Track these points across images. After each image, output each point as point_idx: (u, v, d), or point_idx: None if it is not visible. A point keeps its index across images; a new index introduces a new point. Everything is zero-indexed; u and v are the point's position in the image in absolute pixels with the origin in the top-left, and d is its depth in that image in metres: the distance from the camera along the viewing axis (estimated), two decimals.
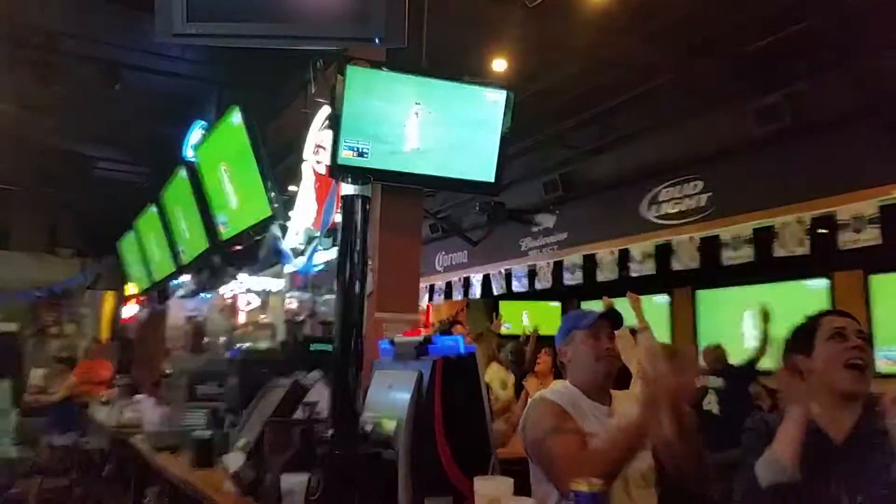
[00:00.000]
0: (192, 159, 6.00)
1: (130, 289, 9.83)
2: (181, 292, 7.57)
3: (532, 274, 7.49)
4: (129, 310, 10.33)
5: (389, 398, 2.02)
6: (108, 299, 10.89)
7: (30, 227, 10.42)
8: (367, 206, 2.24)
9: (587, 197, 6.91)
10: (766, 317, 5.75)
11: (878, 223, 4.48)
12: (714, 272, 5.92)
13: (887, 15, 4.18)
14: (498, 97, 3.21)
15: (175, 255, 6.84)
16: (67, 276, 10.50)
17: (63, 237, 10.56)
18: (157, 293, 8.30)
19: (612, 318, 2.13)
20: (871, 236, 4.52)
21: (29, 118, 6.66)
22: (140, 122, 7.02)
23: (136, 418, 4.31)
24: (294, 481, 1.90)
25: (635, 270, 6.18)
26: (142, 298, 9.36)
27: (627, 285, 7.37)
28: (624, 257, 6.33)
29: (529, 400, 2.13)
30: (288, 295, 5.86)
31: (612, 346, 2.09)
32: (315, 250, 4.81)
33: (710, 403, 5.41)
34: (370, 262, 3.21)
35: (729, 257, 5.40)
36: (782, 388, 1.76)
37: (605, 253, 6.51)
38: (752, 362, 5.59)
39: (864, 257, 5.55)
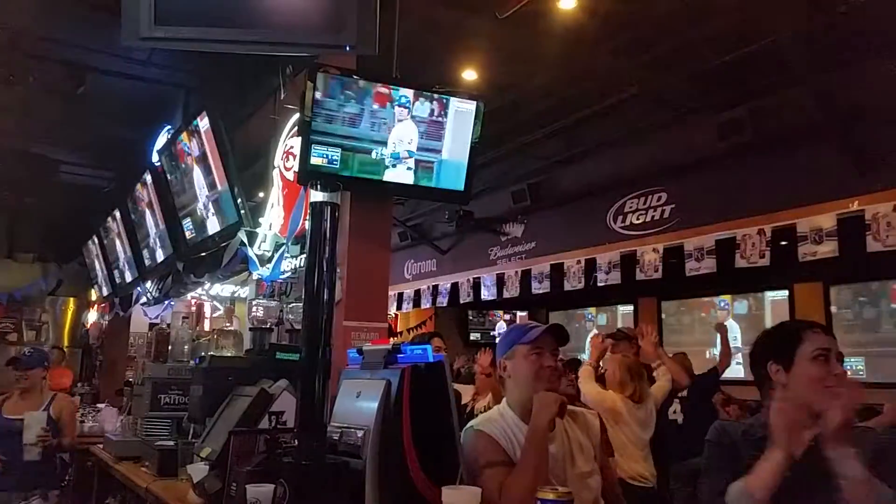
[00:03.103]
0: (158, 164, 5.92)
1: (93, 295, 9.64)
2: (144, 299, 7.43)
3: (500, 282, 7.53)
4: (92, 316, 10.10)
5: (357, 407, 2.01)
6: (70, 306, 10.64)
7: None
8: (337, 214, 2.23)
9: (555, 207, 6.99)
10: (724, 330, 5.87)
11: (836, 236, 4.61)
12: (678, 282, 6.02)
13: (848, 34, 4.32)
14: (468, 107, 3.24)
15: (139, 260, 6.74)
16: (27, 281, 10.22)
17: (24, 241, 10.29)
18: (120, 300, 8.15)
19: (557, 334, 2.06)
20: (829, 248, 4.65)
21: None
22: (105, 126, 6.89)
23: (97, 427, 4.22)
24: (260, 491, 1.88)
25: (602, 280, 6.26)
26: (104, 305, 9.17)
27: (594, 294, 7.48)
28: (591, 267, 6.41)
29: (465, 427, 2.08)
30: (254, 302, 5.79)
31: (555, 363, 2.03)
32: (282, 257, 4.77)
33: (675, 412, 5.49)
34: (339, 270, 3.21)
35: (692, 268, 5.50)
36: (773, 417, 1.67)
37: (573, 262, 6.58)
38: (715, 371, 5.70)
39: (823, 269, 5.71)
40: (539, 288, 6.98)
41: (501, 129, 5.87)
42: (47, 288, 10.37)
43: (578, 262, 6.53)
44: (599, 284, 6.29)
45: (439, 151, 3.23)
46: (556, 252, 6.85)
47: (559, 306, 10.62)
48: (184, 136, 5.16)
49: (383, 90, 3.09)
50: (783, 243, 5.06)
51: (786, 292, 7.90)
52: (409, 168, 3.17)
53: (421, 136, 3.18)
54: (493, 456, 1.92)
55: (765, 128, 5.08)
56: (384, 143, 3.10)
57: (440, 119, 3.21)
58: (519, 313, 11.00)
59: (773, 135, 5.07)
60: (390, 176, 3.14)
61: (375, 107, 3.08)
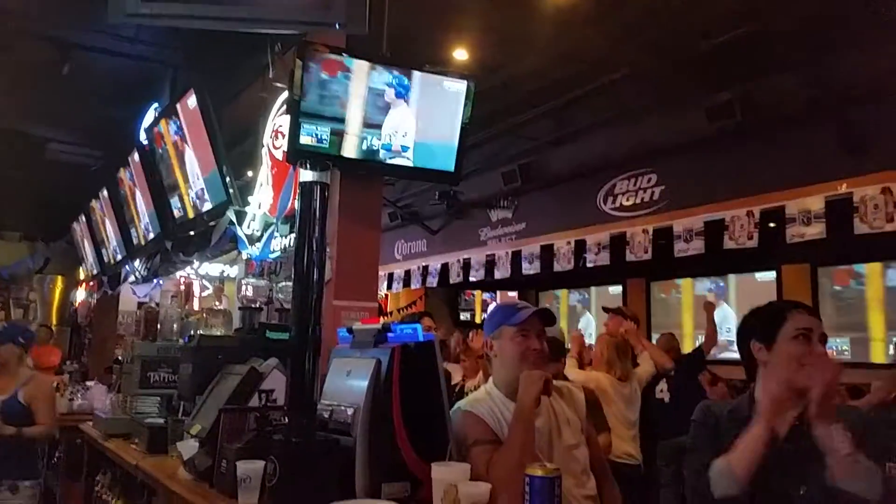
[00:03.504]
0: (146, 142, 5.87)
1: (81, 274, 9.60)
2: (133, 278, 7.41)
3: (490, 263, 7.55)
4: (80, 295, 10.06)
5: (347, 385, 2.03)
6: (58, 284, 10.59)
7: None
8: (326, 193, 2.23)
9: (545, 188, 6.99)
10: (711, 309, 5.93)
11: (824, 218, 4.65)
12: (667, 264, 6.06)
13: (839, 16, 4.32)
14: (459, 87, 3.22)
15: (127, 239, 6.70)
16: (15, 259, 10.16)
17: (11, 220, 10.20)
18: (109, 278, 8.11)
19: (544, 317, 2.09)
20: (817, 230, 4.69)
21: None
22: (92, 104, 6.80)
23: (87, 405, 4.22)
24: (250, 468, 1.90)
25: (591, 261, 6.29)
26: (92, 283, 9.13)
27: (583, 275, 7.52)
28: (580, 248, 6.44)
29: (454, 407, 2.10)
30: (244, 281, 5.79)
31: (541, 346, 2.05)
32: (272, 237, 4.76)
33: (662, 391, 5.56)
34: (328, 250, 3.20)
35: (681, 249, 5.53)
36: (756, 393, 1.76)
37: (562, 243, 6.61)
38: (700, 351, 5.76)
39: (811, 251, 5.76)
40: (529, 269, 7.00)
41: (492, 110, 5.85)
42: (35, 266, 10.32)
43: (568, 242, 6.55)
44: (589, 265, 6.32)
45: (430, 131, 3.20)
46: (546, 233, 6.87)
47: (549, 286, 10.67)
48: (171, 114, 5.11)
49: (373, 68, 3.06)
50: (771, 225, 5.10)
51: (773, 273, 7.97)
52: (399, 147, 3.16)
53: (411, 115, 3.16)
54: (480, 434, 1.95)
55: (754, 110, 5.09)
56: (376, 128, 3.07)
57: (431, 98, 3.19)
58: (509, 293, 11.04)
59: (762, 117, 5.08)
60: (380, 155, 3.13)
61: (364, 85, 3.05)
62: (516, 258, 7.16)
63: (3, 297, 10.04)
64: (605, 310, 5.63)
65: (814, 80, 4.75)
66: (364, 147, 3.05)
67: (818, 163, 4.79)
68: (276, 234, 4.70)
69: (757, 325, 1.82)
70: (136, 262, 6.99)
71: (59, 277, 10.51)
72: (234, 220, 4.85)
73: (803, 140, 4.93)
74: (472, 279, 7.92)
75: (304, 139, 2.95)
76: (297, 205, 3.74)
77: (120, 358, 4.25)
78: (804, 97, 4.84)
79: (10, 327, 4.21)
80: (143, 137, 6.11)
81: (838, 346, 7.23)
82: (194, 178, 5.00)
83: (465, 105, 3.22)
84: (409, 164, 3.15)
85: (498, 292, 11.11)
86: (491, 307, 10.77)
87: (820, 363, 1.65)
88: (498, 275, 7.44)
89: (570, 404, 2.13)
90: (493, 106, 5.74)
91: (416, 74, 3.12)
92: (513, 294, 11.00)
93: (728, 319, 7.86)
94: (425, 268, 8.55)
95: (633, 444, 4.24)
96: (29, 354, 3.97)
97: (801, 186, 4.82)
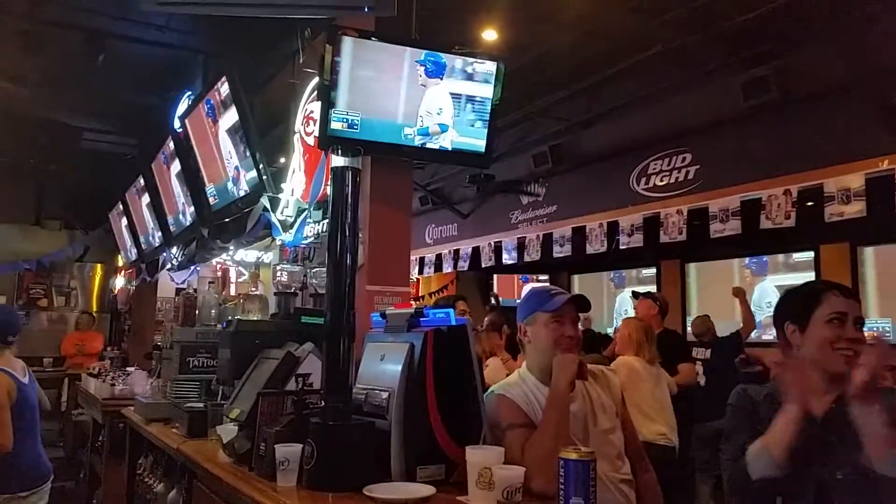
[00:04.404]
0: (180, 130, 5.95)
1: (120, 261, 9.81)
2: (170, 265, 7.55)
3: (521, 246, 7.52)
4: (119, 282, 10.29)
5: (381, 369, 2.05)
6: (98, 272, 10.84)
7: (15, 198, 10.29)
8: (358, 179, 2.24)
9: (577, 169, 6.92)
10: (741, 293, 5.83)
11: (864, 196, 4.53)
12: (702, 244, 5.97)
13: None
14: (489, 68, 3.20)
15: (164, 226, 6.82)
16: (55, 248, 10.41)
17: (51, 209, 10.45)
18: (147, 265, 8.28)
19: (579, 304, 2.09)
20: (857, 209, 4.57)
21: (11, 88, 6.55)
22: (126, 93, 6.92)
23: (127, 390, 4.33)
24: (288, 451, 1.93)
25: (624, 243, 6.22)
26: (131, 271, 9.33)
27: (616, 257, 7.45)
28: (613, 230, 6.37)
29: (488, 391, 2.10)
30: (278, 267, 5.85)
31: (575, 333, 2.06)
32: (304, 223, 4.80)
33: (698, 374, 5.51)
34: (360, 235, 3.22)
35: (716, 230, 5.44)
36: (781, 375, 1.73)
37: (594, 225, 6.54)
38: (738, 334, 5.68)
39: (851, 230, 5.62)
40: (560, 251, 6.96)
41: (522, 91, 5.80)
42: (74, 254, 10.56)
43: (600, 224, 6.48)
44: (622, 247, 6.25)
45: (460, 113, 3.18)
46: (577, 215, 6.81)
47: (581, 269, 10.60)
48: (204, 101, 5.17)
49: (402, 51, 3.05)
50: (809, 204, 4.98)
51: (811, 254, 7.80)
52: (429, 131, 3.15)
53: (440, 98, 3.14)
54: (514, 418, 1.95)
55: (790, 86, 4.96)
56: (410, 114, 3.06)
57: (461, 81, 3.17)
58: (540, 277, 10.99)
59: (799, 93, 4.95)
60: (410, 139, 3.12)
61: (394, 69, 3.04)
62: (547, 241, 7.12)
63: (45, 285, 10.30)
64: (635, 294, 5.57)
65: (852, 54, 4.61)
66: (396, 131, 3.05)
67: (857, 139, 4.65)
68: (309, 219, 4.74)
69: (791, 307, 1.79)
70: (174, 249, 7.11)
71: (99, 265, 10.75)
72: (268, 206, 4.91)
73: (842, 116, 4.79)
74: (503, 262, 7.90)
75: (335, 125, 2.96)
76: (329, 190, 3.76)
77: (160, 344, 4.32)
78: (842, 71, 4.70)
79: None
80: (176, 125, 6.19)
81: (880, 327, 7.07)
82: (228, 164, 5.06)
83: (496, 86, 3.19)
84: (448, 146, 3.13)
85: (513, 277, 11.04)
86: (525, 291, 10.72)
87: (859, 348, 1.62)
88: (529, 258, 7.41)
89: (606, 388, 2.12)
90: (523, 87, 5.69)
91: (445, 56, 3.10)
92: (544, 278, 10.95)
93: (767, 296, 7.72)
94: (456, 252, 8.56)
95: (666, 426, 4.21)
96: (9, 342, 3.42)
97: (840, 164, 4.69)
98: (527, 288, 10.61)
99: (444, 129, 3.12)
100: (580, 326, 2.21)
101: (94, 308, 10.54)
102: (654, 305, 4.92)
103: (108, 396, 4.41)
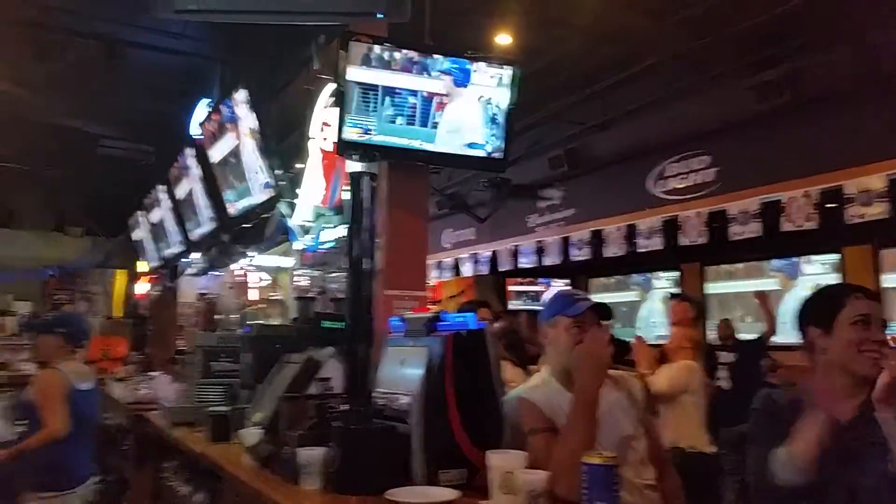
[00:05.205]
0: (198, 137, 6.03)
1: (141, 267, 9.94)
2: (191, 270, 7.64)
3: (540, 250, 7.51)
4: (141, 287, 10.43)
5: (401, 374, 2.06)
6: (120, 277, 10.99)
7: (37, 206, 10.48)
8: (374, 183, 2.26)
9: (593, 172, 6.90)
10: (763, 297, 5.77)
11: (887, 197, 4.47)
12: (722, 247, 5.92)
13: None
14: (504, 73, 3.21)
15: (184, 232, 6.91)
16: (77, 254, 10.58)
17: (73, 216, 10.61)
18: (168, 271, 8.39)
19: (601, 311, 2.08)
20: (879, 210, 4.52)
21: (29, 96, 6.66)
22: (143, 100, 7.01)
23: (151, 395, 4.38)
24: (311, 455, 1.95)
25: (642, 246, 6.20)
26: (153, 276, 9.45)
27: (635, 261, 7.41)
28: (631, 233, 6.34)
29: (508, 394, 2.10)
30: (297, 272, 5.90)
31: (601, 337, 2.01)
32: (322, 228, 4.84)
33: (721, 378, 5.45)
34: (378, 240, 3.24)
35: (736, 232, 5.40)
36: (806, 380, 1.73)
37: (612, 229, 6.52)
38: (762, 337, 5.63)
39: (873, 231, 5.55)
40: (578, 255, 6.94)
41: (537, 94, 5.80)
42: (97, 261, 10.72)
43: (619, 228, 6.46)
44: (640, 251, 6.23)
45: (475, 118, 3.19)
46: (595, 218, 6.79)
47: (599, 273, 10.55)
48: (221, 108, 5.23)
49: (416, 57, 3.05)
50: (830, 205, 4.93)
51: (836, 256, 7.70)
52: (445, 135, 3.14)
53: (456, 103, 3.14)
54: (537, 422, 1.94)
55: (804, 88, 4.91)
56: (420, 112, 3.07)
57: (476, 85, 3.17)
58: (559, 282, 10.94)
59: (813, 95, 4.90)
60: (426, 144, 3.13)
61: (408, 74, 3.04)
62: (565, 244, 7.11)
63: (69, 291, 10.47)
64: (670, 296, 5.52)
65: (871, 55, 4.56)
66: (408, 132, 3.06)
67: (879, 140, 4.60)
68: (326, 224, 4.78)
69: (814, 310, 1.78)
70: (195, 255, 7.20)
71: (121, 271, 10.91)
72: (286, 212, 4.96)
73: (861, 117, 4.74)
74: (521, 266, 7.89)
75: (351, 130, 2.97)
76: (346, 195, 3.79)
77: (184, 348, 4.37)
78: (858, 72, 4.65)
79: (54, 318, 4.01)
80: (194, 132, 6.27)
81: None
82: (246, 171, 5.12)
83: (511, 91, 3.20)
84: (465, 151, 3.14)
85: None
86: (549, 294, 10.68)
87: (884, 350, 1.60)
88: (547, 261, 7.39)
89: (627, 394, 2.11)
90: (538, 90, 5.69)
91: (458, 61, 3.11)
92: (561, 282, 10.90)
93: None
94: (474, 256, 8.56)
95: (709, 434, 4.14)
96: (79, 347, 3.59)
97: (861, 165, 4.64)
98: (551, 291, 10.58)
99: (462, 135, 3.13)
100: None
101: (118, 313, 10.68)
102: (690, 308, 4.84)
103: (133, 401, 4.47)
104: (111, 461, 3.91)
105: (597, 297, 2.15)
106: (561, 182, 7.27)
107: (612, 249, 6.50)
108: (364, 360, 2.10)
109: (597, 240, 6.71)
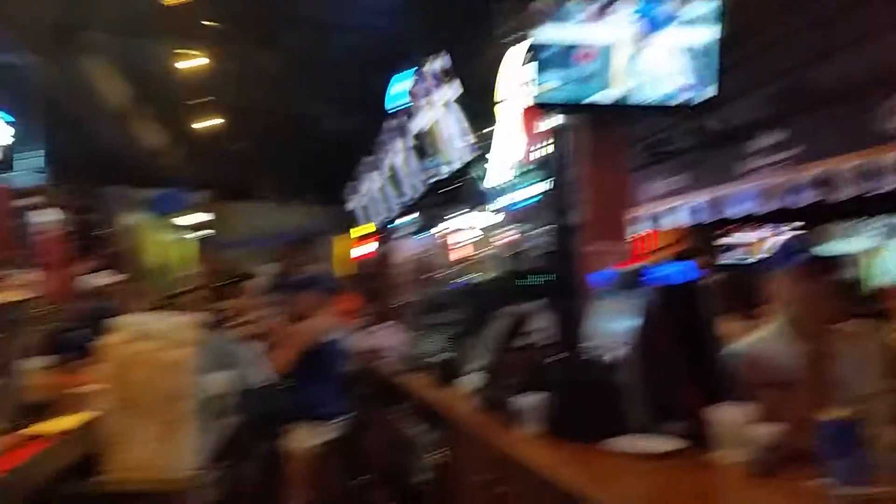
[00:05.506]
0: (405, 106, 6.40)
1: (361, 230, 10.91)
2: (403, 232, 8.20)
3: (758, 195, 6.95)
4: (360, 250, 11.42)
5: (613, 326, 2.10)
6: (339, 242, 12.17)
7: (270, 181, 11.97)
8: (574, 139, 2.28)
9: (817, 108, 6.21)
10: None
11: None
12: None
13: None
14: (706, 9, 3.02)
15: (396, 197, 7.45)
16: (305, 221, 11.93)
17: (299, 189, 11.94)
18: (385, 233, 9.12)
19: (827, 262, 1.95)
20: None
21: (253, 85, 7.51)
22: (352, 76, 7.57)
23: (380, 344, 4.81)
24: (531, 401, 2.06)
25: (879, 187, 5.49)
26: (372, 238, 10.32)
27: (870, 204, 6.58)
28: (866, 172, 5.64)
29: (734, 347, 2.03)
30: (500, 230, 6.09)
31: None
32: (519, 186, 4.93)
33: None
34: (579, 194, 3.24)
35: None
36: None
37: (843, 168, 5.84)
38: None
39: None
40: (798, 201, 6.33)
41: (748, 25, 5.32)
42: (322, 227, 11.99)
43: (851, 166, 5.77)
44: (882, 191, 5.52)
45: (679, 61, 3.04)
46: (821, 158, 6.13)
47: (826, 220, 9.51)
48: (422, 78, 5.51)
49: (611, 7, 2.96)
50: None
51: None
52: (647, 83, 3.04)
53: (658, 48, 3.02)
54: (764, 376, 1.89)
55: None
56: (619, 62, 3.00)
57: (678, 24, 3.02)
58: (782, 229, 10.06)
59: None
60: (626, 96, 3.05)
61: (605, 25, 2.98)
62: (784, 189, 6.51)
63: (305, 254, 11.72)
64: None
65: None
66: (607, 85, 3.01)
67: None
68: (523, 182, 4.87)
69: None
70: (407, 217, 7.71)
71: (343, 235, 12.03)
72: (485, 173, 5.12)
73: None
74: (736, 215, 7.38)
75: (548, 86, 2.98)
76: (544, 152, 3.83)
77: (404, 302, 4.72)
78: None
79: (309, 277, 4.44)
80: (400, 102, 6.67)
81: None
82: (451, 136, 5.36)
83: (719, 24, 3.01)
84: (668, 100, 3.04)
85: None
86: (775, 243, 9.82)
87: None
88: (763, 209, 6.84)
89: (869, 348, 1.96)
90: (750, 21, 5.22)
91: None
92: (786, 229, 9.99)
93: None
94: (680, 206, 8.16)
95: None
96: (330, 303, 3.95)
97: None
98: (773, 241, 9.77)
99: (662, 82, 3.02)
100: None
101: (343, 273, 11.80)
102: None
103: (365, 350, 4.93)
104: (351, 403, 4.37)
105: (828, 246, 1.99)
106: (780, 120, 6.64)
107: (843, 192, 5.84)
108: (576, 311, 2.16)
109: (823, 182, 6.06)
